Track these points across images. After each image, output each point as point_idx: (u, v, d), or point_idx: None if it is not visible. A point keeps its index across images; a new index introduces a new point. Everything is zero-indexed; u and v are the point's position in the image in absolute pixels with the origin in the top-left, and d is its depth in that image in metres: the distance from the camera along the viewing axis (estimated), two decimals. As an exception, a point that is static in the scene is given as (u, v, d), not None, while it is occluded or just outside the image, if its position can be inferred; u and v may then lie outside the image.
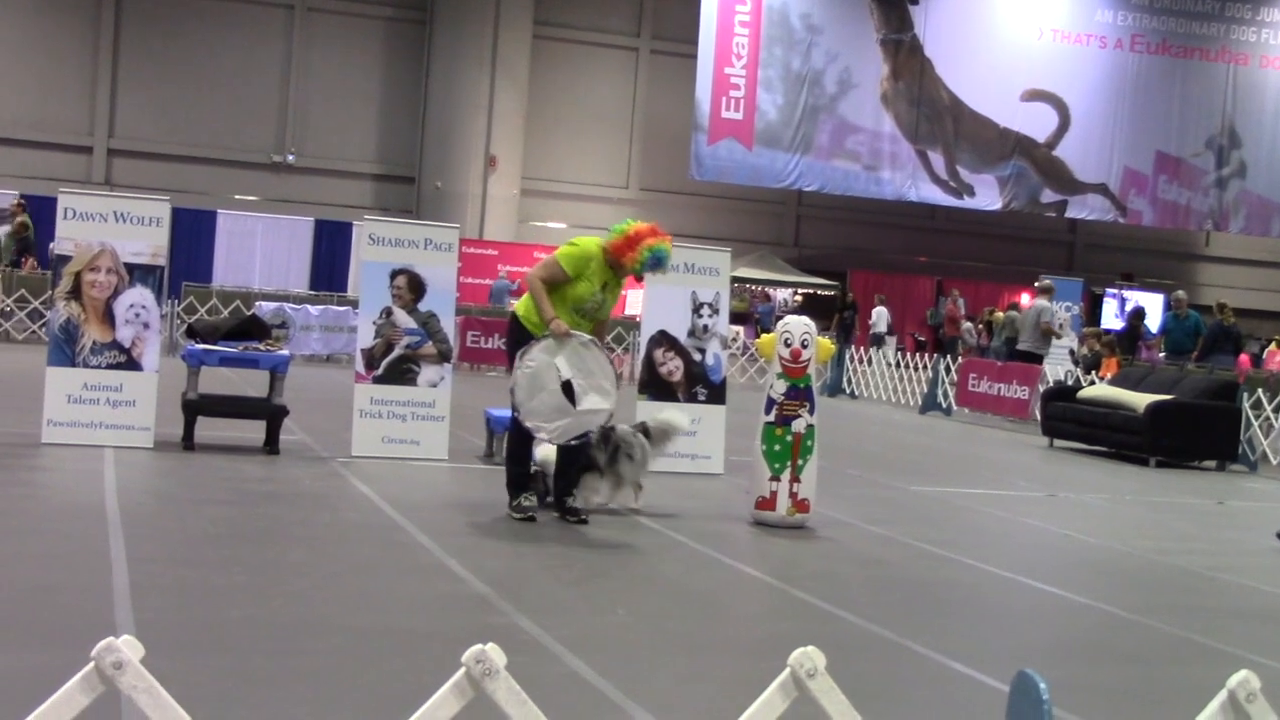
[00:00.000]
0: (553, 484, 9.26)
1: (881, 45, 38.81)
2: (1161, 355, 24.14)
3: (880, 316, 33.35)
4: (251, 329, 12.14)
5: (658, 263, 8.95)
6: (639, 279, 9.34)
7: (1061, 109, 40.06)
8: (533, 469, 9.29)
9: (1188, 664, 6.65)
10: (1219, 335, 21.70)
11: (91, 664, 2.35)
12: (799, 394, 9.51)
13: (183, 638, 5.45)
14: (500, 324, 21.98)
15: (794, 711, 2.67)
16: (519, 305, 9.25)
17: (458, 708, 2.48)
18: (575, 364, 8.62)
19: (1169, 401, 16.56)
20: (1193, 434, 16.67)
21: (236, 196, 37.12)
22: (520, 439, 9.01)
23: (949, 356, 24.83)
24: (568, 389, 8.58)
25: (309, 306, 25.62)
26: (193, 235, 33.21)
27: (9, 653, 5.12)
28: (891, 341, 33.02)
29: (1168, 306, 27.50)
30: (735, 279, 32.81)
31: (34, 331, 23.16)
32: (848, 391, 26.25)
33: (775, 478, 9.45)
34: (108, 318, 11.02)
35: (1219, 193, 41.89)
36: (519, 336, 8.98)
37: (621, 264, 8.92)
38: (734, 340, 26.25)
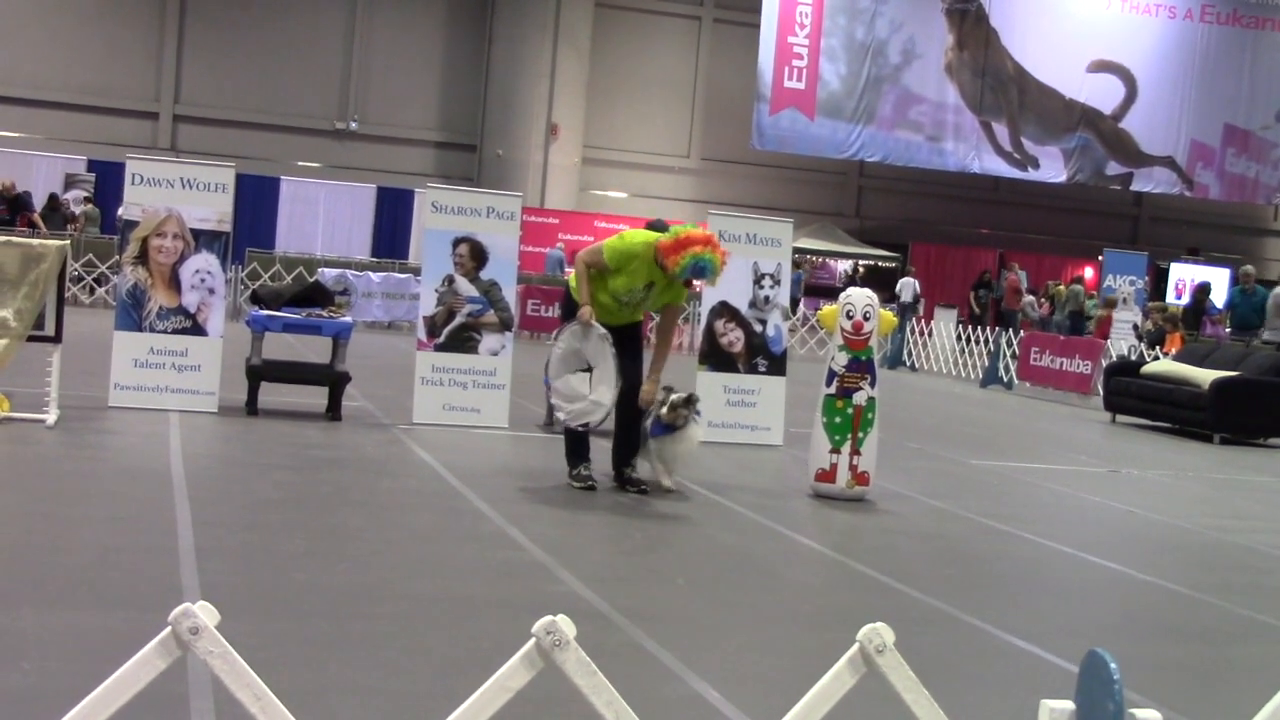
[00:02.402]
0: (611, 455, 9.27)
1: (946, 15, 38.45)
2: (1227, 330, 23.87)
3: (905, 286, 33.04)
4: (315, 295, 12.23)
5: (700, 272, 8.68)
6: (687, 284, 9.08)
7: (1128, 80, 39.57)
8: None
9: (1251, 643, 6.59)
10: (1287, 312, 21.39)
11: (168, 629, 2.38)
12: (860, 366, 9.47)
13: (247, 601, 5.50)
14: (559, 293, 22.06)
15: (859, 685, 2.67)
16: (571, 278, 9.25)
17: (528, 677, 2.49)
18: (592, 355, 8.71)
19: (1234, 378, 16.37)
20: (1258, 411, 16.47)
21: (299, 163, 37.30)
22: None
23: (1010, 330, 24.63)
24: (588, 374, 8.72)
25: (371, 273, 25.75)
26: (256, 201, 33.42)
27: (79, 613, 5.20)
28: (944, 313, 32.59)
29: (1234, 281, 27.16)
30: (796, 250, 32.67)
31: (102, 295, 23.44)
32: (908, 364, 26.13)
33: (835, 450, 9.43)
34: (174, 283, 11.12)
35: (1289, 167, 41.33)
36: (569, 309, 9.12)
37: (665, 266, 8.72)
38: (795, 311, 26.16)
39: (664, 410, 9.04)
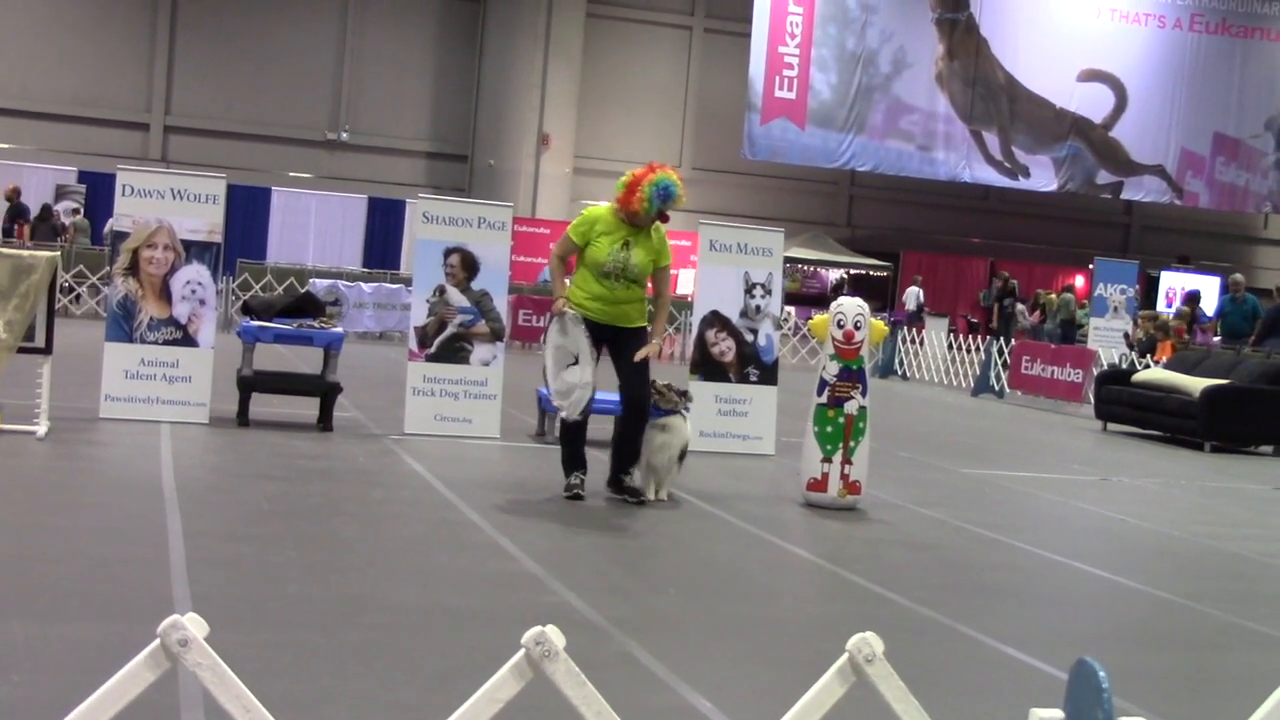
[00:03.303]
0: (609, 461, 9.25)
1: (937, 24, 38.50)
2: (1217, 339, 23.91)
3: (911, 295, 33.28)
4: (306, 306, 12.23)
5: (666, 195, 8.74)
6: (665, 218, 9.06)
7: (1119, 89, 39.64)
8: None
9: (1241, 650, 6.60)
10: (1277, 319, 21.43)
11: (157, 641, 2.38)
12: (851, 375, 9.48)
13: (238, 612, 5.50)
14: (551, 303, 22.12)
15: (849, 695, 2.67)
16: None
17: (517, 688, 2.49)
18: (573, 342, 8.72)
19: (1225, 386, 16.40)
20: (1249, 419, 16.50)
21: (291, 174, 37.28)
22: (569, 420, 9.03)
23: (1001, 338, 24.66)
24: (576, 365, 8.69)
25: (362, 284, 25.76)
26: (247, 212, 33.35)
27: (69, 624, 5.19)
28: (935, 322, 32.79)
29: (1224, 289, 27.21)
30: (788, 259, 32.70)
31: (93, 306, 23.40)
32: (899, 373, 26.15)
33: (827, 459, 9.43)
34: (165, 294, 11.11)
35: (1278, 174, 41.39)
36: None
37: (634, 212, 8.78)
38: (785, 321, 26.20)
39: (657, 391, 9.14)
